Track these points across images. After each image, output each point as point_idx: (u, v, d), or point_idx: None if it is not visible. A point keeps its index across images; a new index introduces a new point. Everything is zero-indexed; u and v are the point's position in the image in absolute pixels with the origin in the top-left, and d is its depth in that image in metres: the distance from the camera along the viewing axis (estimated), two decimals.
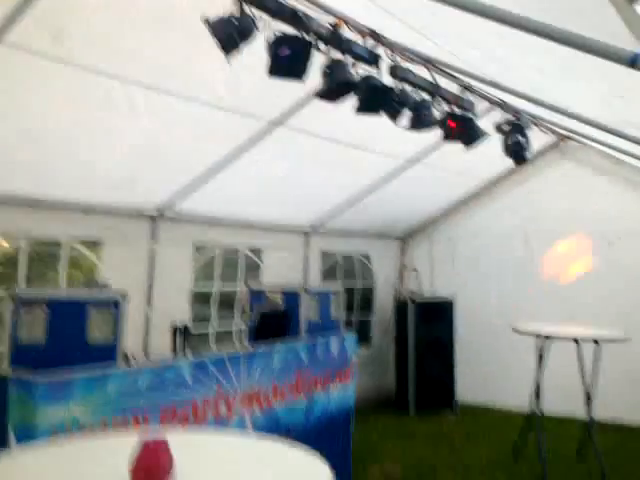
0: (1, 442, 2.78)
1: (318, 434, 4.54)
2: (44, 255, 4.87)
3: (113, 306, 3.45)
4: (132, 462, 1.56)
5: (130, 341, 4.19)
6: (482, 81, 4.30)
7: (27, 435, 2.72)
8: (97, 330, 3.43)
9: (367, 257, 7.87)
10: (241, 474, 1.81)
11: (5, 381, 2.91)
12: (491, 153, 5.11)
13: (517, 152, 4.98)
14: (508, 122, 4.89)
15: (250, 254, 6.25)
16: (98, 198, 4.78)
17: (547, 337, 5.27)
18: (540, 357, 5.37)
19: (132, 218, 5.14)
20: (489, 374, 7.55)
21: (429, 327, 7.34)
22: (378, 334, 8.01)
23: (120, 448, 1.73)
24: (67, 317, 3.38)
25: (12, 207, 4.34)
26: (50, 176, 4.32)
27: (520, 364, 6.78)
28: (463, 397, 7.50)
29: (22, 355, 3.42)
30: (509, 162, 5.21)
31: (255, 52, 3.05)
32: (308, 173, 5.63)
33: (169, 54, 3.53)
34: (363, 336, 7.62)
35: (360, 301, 7.80)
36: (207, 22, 2.87)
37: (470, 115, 4.55)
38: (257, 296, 5.07)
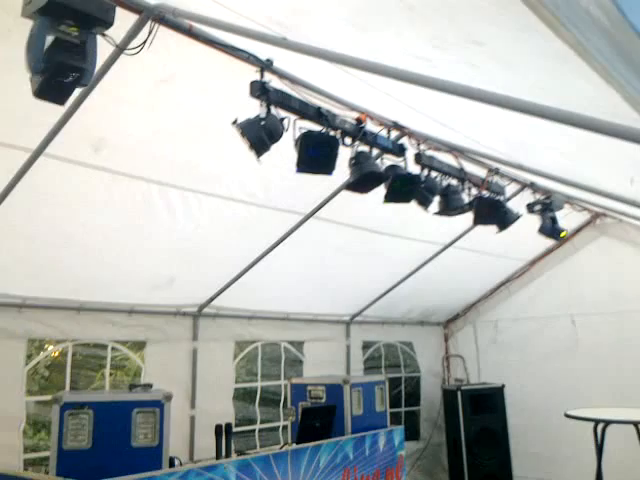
0: None
1: None
2: (89, 358, 4.96)
3: (157, 407, 3.46)
4: None
5: (175, 442, 4.15)
6: (508, 164, 4.37)
7: None
8: (142, 433, 3.42)
9: (410, 345, 7.74)
10: None
11: None
12: (527, 233, 5.11)
13: (553, 230, 4.98)
14: (539, 202, 4.91)
15: (291, 347, 6.23)
16: (140, 299, 4.90)
17: (604, 422, 5.05)
18: (599, 443, 5.11)
19: (174, 317, 5.23)
20: (546, 463, 7.16)
21: (480, 417, 7.08)
22: (427, 426, 7.74)
23: None
24: (112, 420, 3.39)
25: (56, 311, 4.50)
26: (93, 280, 4.46)
27: (577, 450, 6.45)
28: None
29: (67, 461, 3.42)
30: (547, 241, 5.17)
31: (283, 150, 3.17)
32: (343, 263, 5.68)
33: (202, 157, 3.72)
34: (411, 429, 7.37)
35: (405, 391, 7.60)
36: (237, 125, 3.00)
37: (500, 198, 4.59)
38: (299, 391, 5.01)
